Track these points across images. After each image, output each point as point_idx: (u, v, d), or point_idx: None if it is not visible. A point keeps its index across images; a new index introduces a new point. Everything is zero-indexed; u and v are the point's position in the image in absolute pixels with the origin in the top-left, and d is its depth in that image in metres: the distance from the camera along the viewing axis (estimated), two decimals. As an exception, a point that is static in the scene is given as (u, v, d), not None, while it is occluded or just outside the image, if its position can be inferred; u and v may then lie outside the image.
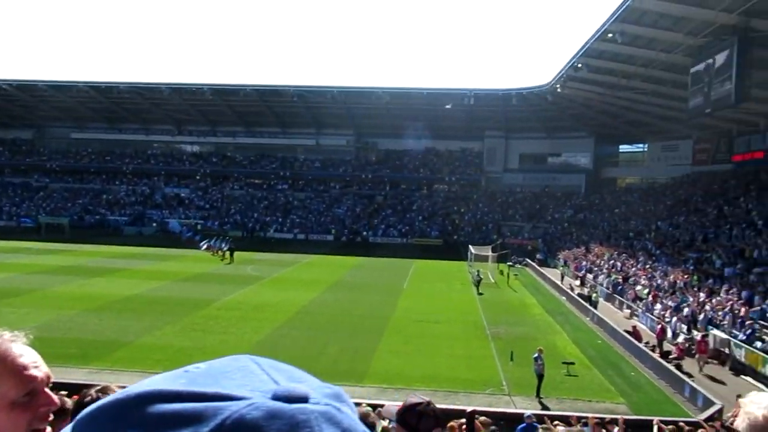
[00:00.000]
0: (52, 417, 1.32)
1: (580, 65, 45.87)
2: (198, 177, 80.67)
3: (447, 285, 39.96)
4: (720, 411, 15.86)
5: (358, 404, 4.68)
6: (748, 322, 22.84)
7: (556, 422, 12.62)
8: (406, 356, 22.45)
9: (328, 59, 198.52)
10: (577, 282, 42.06)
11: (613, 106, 55.80)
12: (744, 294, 25.40)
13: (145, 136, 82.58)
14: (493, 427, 10.66)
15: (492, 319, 29.42)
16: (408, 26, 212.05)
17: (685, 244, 37.55)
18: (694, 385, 19.17)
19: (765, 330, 22.22)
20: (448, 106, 65.19)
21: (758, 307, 23.66)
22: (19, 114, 79.93)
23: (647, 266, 36.98)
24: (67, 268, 40.21)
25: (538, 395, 18.47)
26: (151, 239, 61.23)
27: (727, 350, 23.01)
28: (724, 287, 27.42)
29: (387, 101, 66.70)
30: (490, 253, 45.80)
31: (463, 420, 7.91)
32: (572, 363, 21.63)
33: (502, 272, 43.96)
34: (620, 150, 73.29)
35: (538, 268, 49.46)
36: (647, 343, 25.09)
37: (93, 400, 2.04)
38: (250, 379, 0.69)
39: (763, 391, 17.44)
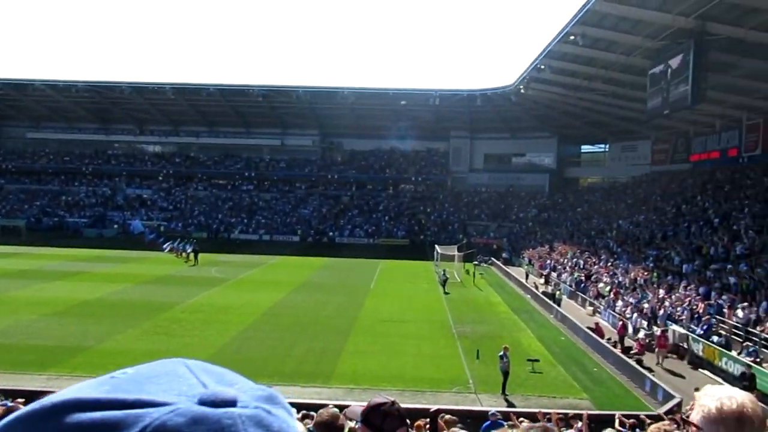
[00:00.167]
0: None
1: (542, 67, 46.57)
2: (161, 178, 79.32)
3: (413, 285, 40.12)
4: (679, 404, 16.29)
5: (324, 406, 4.67)
6: (705, 318, 23.52)
7: (521, 419, 12.78)
8: (372, 356, 22.46)
9: (292, 59, 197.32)
10: (542, 280, 42.70)
11: (575, 107, 56.82)
12: (701, 290, 26.14)
13: (106, 136, 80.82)
14: (459, 425, 10.74)
15: (458, 318, 29.65)
16: (374, 27, 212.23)
17: (645, 242, 38.46)
18: (654, 379, 19.66)
19: (721, 325, 22.91)
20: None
21: (714, 302, 24.37)
22: (-28, 113, 77.47)
23: (609, 264, 37.76)
24: (24, 272, 39.09)
25: (503, 392, 18.68)
26: (112, 242, 59.98)
27: (685, 345, 23.65)
28: (683, 284, 28.17)
29: (352, 101, 66.67)
30: (456, 253, 46.14)
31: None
32: (537, 360, 21.97)
33: (468, 271, 44.35)
34: (582, 150, 74.79)
35: (504, 267, 50.04)
36: (609, 339, 25.61)
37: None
38: (177, 384, 0.67)
39: (719, 384, 18.00)
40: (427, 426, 7.79)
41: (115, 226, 69.82)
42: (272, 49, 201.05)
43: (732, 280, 25.40)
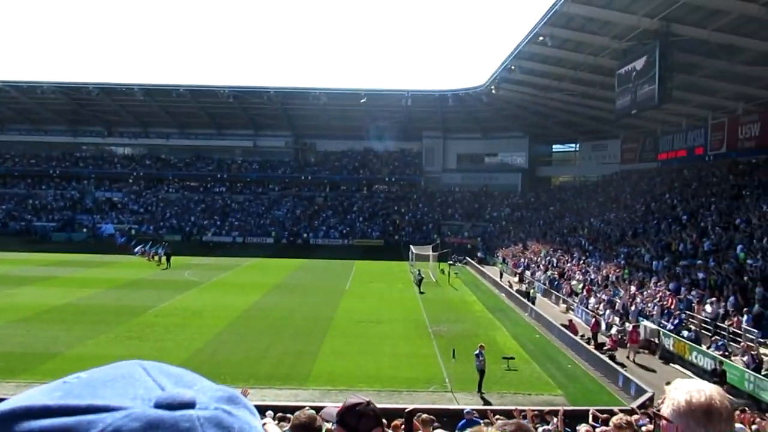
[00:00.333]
0: None
1: (513, 67, 47.04)
2: (131, 180, 78.11)
3: (389, 285, 40.16)
4: (651, 398, 16.58)
5: (301, 408, 4.65)
6: (675, 313, 23.99)
7: (497, 416, 12.88)
8: (349, 357, 22.42)
9: (263, 60, 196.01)
10: (516, 279, 43.12)
11: (545, 107, 57.50)
12: (671, 286, 26.65)
13: (73, 138, 79.21)
14: (435, 424, 10.78)
15: (434, 318, 29.77)
16: (346, 28, 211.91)
17: (616, 239, 39.08)
18: (627, 374, 19.99)
19: (691, 320, 23.39)
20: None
21: (683, 297, 24.87)
22: (-66, 116, 75.30)
23: (581, 262, 38.29)
24: (-11, 278, 38.13)
25: (479, 391, 18.79)
26: (82, 245, 58.84)
27: (656, 340, 24.10)
28: (653, 280, 28.70)
29: (325, 102, 66.47)
30: (430, 253, 46.34)
31: (407, 418, 7.98)
32: (512, 358, 22.15)
33: (443, 271, 44.54)
34: (553, 150, 75.73)
35: (478, 266, 50.40)
36: (582, 335, 25.97)
37: None
38: (132, 387, 0.65)
39: (689, 377, 18.37)
40: (403, 426, 7.81)
41: (85, 229, 68.54)
42: (243, 50, 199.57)
43: (700, 275, 25.95)
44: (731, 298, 22.42)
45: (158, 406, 0.62)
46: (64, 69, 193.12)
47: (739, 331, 20.54)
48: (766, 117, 37.35)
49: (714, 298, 23.04)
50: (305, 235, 68.64)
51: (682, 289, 25.77)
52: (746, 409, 14.73)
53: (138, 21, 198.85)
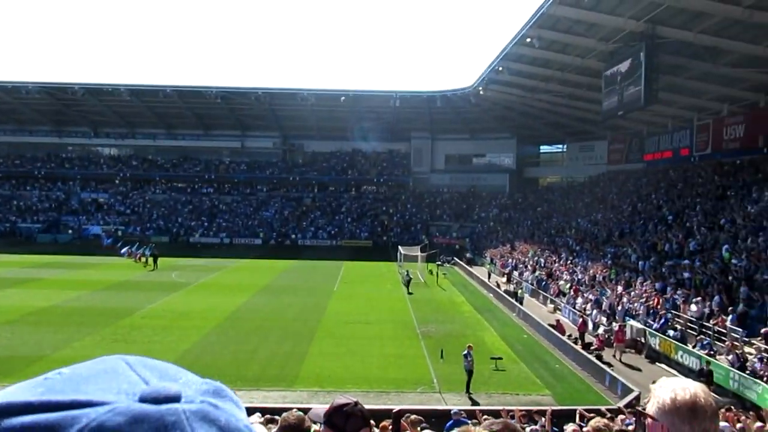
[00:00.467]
0: None
1: (501, 68, 47.22)
2: (117, 181, 77.52)
3: (377, 286, 40.15)
4: (638, 397, 16.70)
5: (289, 409, 4.63)
6: (661, 312, 24.18)
7: (485, 417, 12.92)
8: (337, 358, 22.38)
9: (251, 60, 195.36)
10: (504, 279, 43.26)
11: (533, 108, 57.77)
12: (657, 285, 26.86)
13: (59, 139, 78.32)
14: (424, 425, 10.79)
15: (422, 318, 29.79)
16: (335, 29, 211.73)
17: (603, 239, 39.34)
18: (614, 374, 20.13)
19: (677, 319, 23.59)
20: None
21: (669, 297, 25.07)
22: None
23: (569, 262, 38.49)
24: (-27, 280, 37.67)
25: (467, 391, 18.83)
26: (67, 247, 58.33)
27: (642, 339, 24.28)
28: (639, 280, 28.91)
29: (312, 103, 66.31)
30: (419, 253, 46.39)
31: (395, 419, 7.98)
32: (500, 358, 22.23)
33: (431, 272, 44.59)
34: (541, 150, 76.12)
35: (466, 266, 50.51)
36: (570, 335, 26.10)
37: None
38: (116, 382, 0.63)
39: (675, 376, 18.51)
40: (391, 427, 7.81)
41: (70, 231, 67.92)
42: (230, 51, 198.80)
43: (686, 275, 26.18)
44: (716, 298, 22.63)
45: (143, 400, 0.61)
46: (49, 69, 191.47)
47: (724, 331, 20.74)
48: (750, 118, 37.77)
49: (699, 298, 23.25)
50: (293, 236, 68.48)
51: (668, 288, 25.98)
52: (731, 407, 14.89)
53: (124, 21, 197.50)
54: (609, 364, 22.02)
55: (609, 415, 12.90)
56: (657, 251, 31.58)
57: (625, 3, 30.57)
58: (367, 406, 2.88)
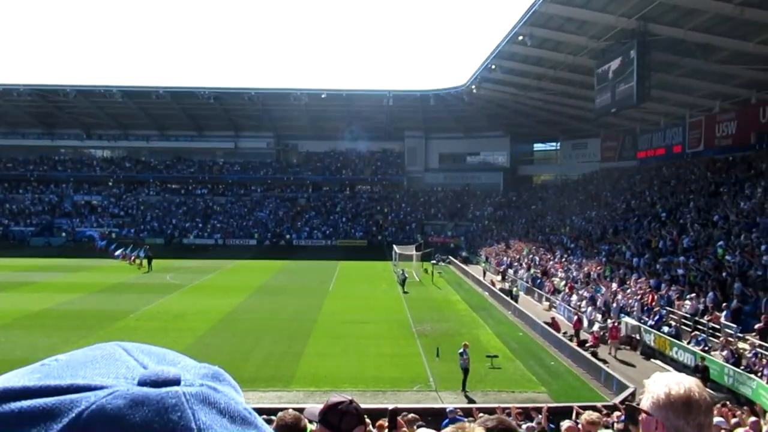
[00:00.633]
0: None
1: (493, 66, 47.25)
2: (110, 183, 77.23)
3: (372, 285, 40.14)
4: (633, 394, 16.76)
5: (284, 409, 4.62)
6: (655, 309, 24.26)
7: (481, 414, 12.93)
8: (333, 358, 22.37)
9: (244, 60, 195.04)
10: (499, 277, 43.31)
11: (526, 106, 57.85)
12: (652, 282, 26.95)
13: (51, 141, 77.85)
14: (420, 423, 10.80)
15: (418, 317, 29.80)
16: (326, 29, 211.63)
17: (597, 237, 39.44)
18: (609, 370, 20.19)
19: (671, 316, 23.68)
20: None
21: (664, 293, 25.16)
22: None
23: (563, 259, 38.56)
24: (-34, 284, 37.45)
25: (464, 389, 18.86)
26: (61, 250, 58.06)
27: (637, 336, 24.35)
28: (634, 276, 28.99)
29: (306, 102, 66.20)
30: (414, 252, 46.38)
31: (392, 418, 7.96)
32: (496, 356, 22.27)
33: (426, 270, 44.61)
34: (534, 148, 76.25)
35: (461, 265, 50.55)
36: (565, 333, 26.16)
37: None
38: (114, 366, 0.63)
39: (668, 371, 18.59)
40: (387, 425, 7.81)
41: (63, 234, 67.61)
42: (223, 51, 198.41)
43: (680, 272, 26.28)
44: (710, 294, 22.73)
45: (142, 383, 0.60)
46: (40, 71, 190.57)
47: (718, 327, 20.82)
48: (742, 115, 37.94)
49: (693, 294, 23.34)
50: (288, 236, 68.39)
51: (662, 285, 26.08)
52: (727, 403, 14.96)
53: (116, 22, 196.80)
54: (604, 361, 22.09)
55: (605, 411, 12.95)
56: (651, 248, 31.69)
57: (617, 0, 30.65)
58: (363, 406, 2.87)
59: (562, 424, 10.40)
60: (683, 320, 22.85)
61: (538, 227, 52.06)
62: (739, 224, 27.85)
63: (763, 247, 23.89)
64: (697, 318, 22.21)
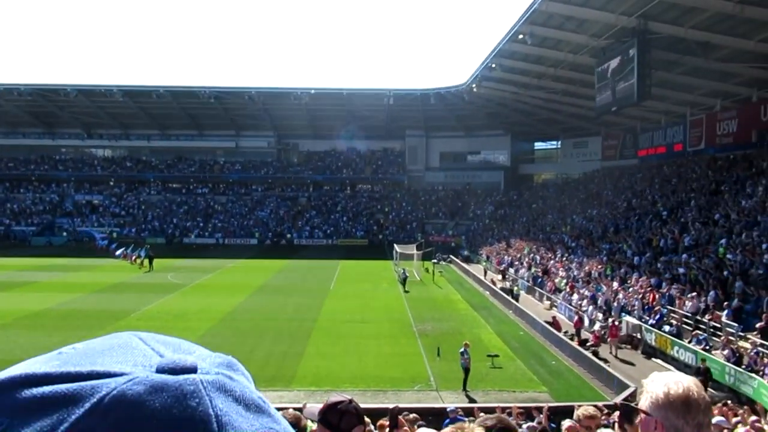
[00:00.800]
0: None
1: (494, 65, 47.23)
2: (111, 182, 77.31)
3: (373, 284, 40.13)
4: (633, 393, 16.74)
5: (285, 408, 4.63)
6: (656, 308, 24.23)
7: (481, 414, 12.92)
8: (334, 357, 22.37)
9: (245, 60, 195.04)
10: (499, 276, 43.28)
11: (526, 104, 57.82)
12: (653, 281, 26.92)
13: (52, 141, 77.95)
14: (420, 423, 10.80)
15: (419, 317, 29.79)
16: (327, 28, 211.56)
17: (599, 235, 39.39)
18: (610, 369, 20.18)
19: (672, 315, 23.65)
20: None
21: (665, 292, 25.13)
22: None
23: (564, 258, 38.52)
24: (-33, 283, 37.46)
25: (464, 389, 18.85)
26: (62, 249, 58.09)
27: (638, 335, 24.32)
28: (635, 275, 28.96)
29: (306, 102, 66.19)
30: (414, 251, 46.37)
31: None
32: (496, 355, 22.24)
33: (427, 270, 44.60)
34: (535, 147, 76.22)
35: (462, 264, 50.52)
36: (566, 332, 26.13)
37: None
38: (132, 355, 0.65)
39: (667, 370, 18.56)
40: (388, 425, 7.83)
41: (65, 233, 67.66)
42: (224, 50, 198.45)
43: (681, 270, 26.25)
44: (711, 293, 22.69)
45: (160, 371, 0.62)
46: (41, 71, 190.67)
47: (719, 326, 20.80)
48: (742, 113, 37.89)
49: (695, 293, 23.31)
50: (289, 235, 68.41)
51: (663, 284, 26.05)
52: (728, 402, 14.96)
53: (117, 22, 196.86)
54: (605, 360, 22.07)
55: (606, 411, 12.94)
56: (652, 247, 31.64)
57: (617, -1, 30.64)
58: (364, 405, 2.88)
59: (563, 423, 10.40)
60: (684, 319, 22.82)
61: (539, 226, 52.02)
62: (741, 222, 27.79)
63: (764, 246, 23.84)
64: (698, 317, 22.18)
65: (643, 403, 1.67)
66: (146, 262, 46.11)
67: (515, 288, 36.75)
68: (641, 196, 42.81)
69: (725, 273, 23.88)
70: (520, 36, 38.64)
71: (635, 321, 24.70)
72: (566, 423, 10.10)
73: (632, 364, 22.40)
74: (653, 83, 34.03)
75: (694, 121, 43.01)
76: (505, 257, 46.53)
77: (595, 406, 13.41)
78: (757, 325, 19.24)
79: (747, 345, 19.00)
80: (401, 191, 77.29)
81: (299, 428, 3.69)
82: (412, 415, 11.24)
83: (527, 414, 13.19)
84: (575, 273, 34.49)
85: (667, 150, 47.29)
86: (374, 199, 76.86)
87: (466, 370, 19.02)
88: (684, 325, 22.60)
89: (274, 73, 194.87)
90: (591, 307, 27.91)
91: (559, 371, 21.60)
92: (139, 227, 69.06)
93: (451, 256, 54.55)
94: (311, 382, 19.49)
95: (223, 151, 79.92)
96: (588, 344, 24.23)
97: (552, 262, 39.23)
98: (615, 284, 29.24)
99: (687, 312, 22.90)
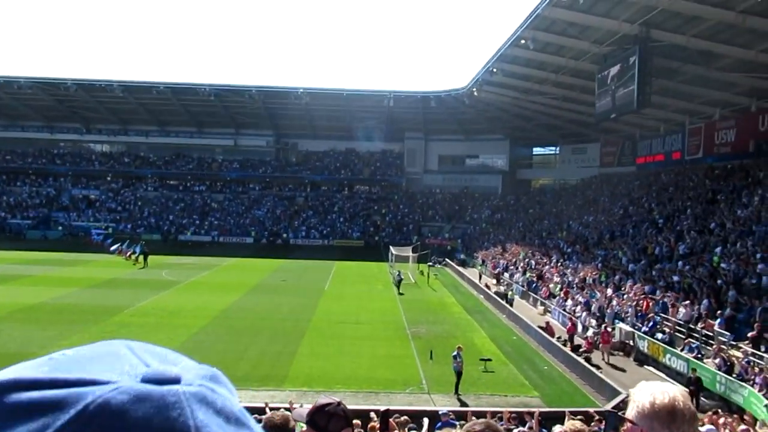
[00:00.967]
0: None
1: (495, 70, 47.27)
2: (109, 178, 77.19)
3: (368, 286, 40.12)
4: (625, 400, 16.74)
5: (276, 409, 4.62)
6: (649, 315, 24.26)
7: (473, 418, 12.91)
8: (327, 358, 22.35)
9: (245, 58, 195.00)
10: (494, 280, 43.30)
11: (526, 109, 57.87)
12: (647, 288, 26.95)
13: (50, 135, 77.88)
14: (411, 425, 10.80)
15: (412, 319, 29.78)
16: (329, 28, 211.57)
17: (594, 242, 39.43)
18: (602, 376, 20.19)
19: (665, 322, 23.68)
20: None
21: (659, 299, 25.16)
22: None
23: (559, 264, 38.55)
24: (-39, 275, 37.36)
25: (456, 392, 18.83)
26: (57, 244, 57.98)
27: (631, 342, 24.35)
28: (629, 282, 28.99)
29: (307, 101, 66.21)
30: (410, 254, 46.39)
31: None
32: (489, 359, 22.23)
33: (422, 272, 44.60)
34: (534, 152, 76.31)
35: (458, 267, 50.52)
36: (559, 337, 26.15)
37: None
38: (119, 363, 0.67)
39: (662, 379, 18.58)
40: (379, 427, 7.82)
41: (60, 227, 67.50)
42: (225, 48, 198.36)
43: (675, 278, 26.29)
44: (705, 302, 22.73)
45: (145, 381, 0.64)
46: (41, 64, 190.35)
47: (712, 334, 20.83)
48: (741, 123, 38.00)
49: (688, 302, 23.34)
50: (285, 235, 68.35)
51: (657, 291, 26.08)
52: (718, 411, 14.97)
53: (117, 17, 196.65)
54: (597, 367, 22.09)
55: (597, 417, 12.95)
56: (647, 254, 31.67)
57: (620, 6, 30.67)
58: (355, 407, 2.87)
59: (553, 429, 10.41)
60: (677, 327, 22.85)
61: (535, 231, 52.06)
62: (736, 232, 27.86)
63: (758, 255, 23.91)
64: (691, 325, 22.21)
65: (630, 412, 1.67)
66: (141, 258, 46.02)
67: (509, 292, 36.77)
68: (638, 203, 42.87)
69: (719, 282, 23.92)
70: (522, 41, 38.69)
71: (628, 328, 24.73)
72: (557, 429, 10.11)
73: (623, 371, 22.42)
74: (653, 91, 34.11)
75: (693, 129, 43.12)
76: (501, 261, 46.55)
77: (587, 412, 13.44)
78: (749, 335, 19.28)
79: (738, 354, 19.03)
80: (399, 193, 77.30)
81: (287, 429, 3.68)
82: (403, 418, 11.23)
83: (519, 419, 13.19)
84: (570, 279, 34.52)
85: (666, 158, 47.40)
86: (371, 201, 76.86)
87: (459, 374, 19.00)
88: (677, 333, 22.63)
89: (275, 72, 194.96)
90: (585, 313, 27.94)
91: (552, 376, 21.61)
92: (135, 223, 68.93)
93: (447, 259, 54.55)
94: (303, 382, 19.46)
95: (221, 149, 79.87)
96: (581, 350, 24.24)
97: (547, 267, 39.25)
98: (609, 291, 29.27)
99: (680, 320, 22.93)
